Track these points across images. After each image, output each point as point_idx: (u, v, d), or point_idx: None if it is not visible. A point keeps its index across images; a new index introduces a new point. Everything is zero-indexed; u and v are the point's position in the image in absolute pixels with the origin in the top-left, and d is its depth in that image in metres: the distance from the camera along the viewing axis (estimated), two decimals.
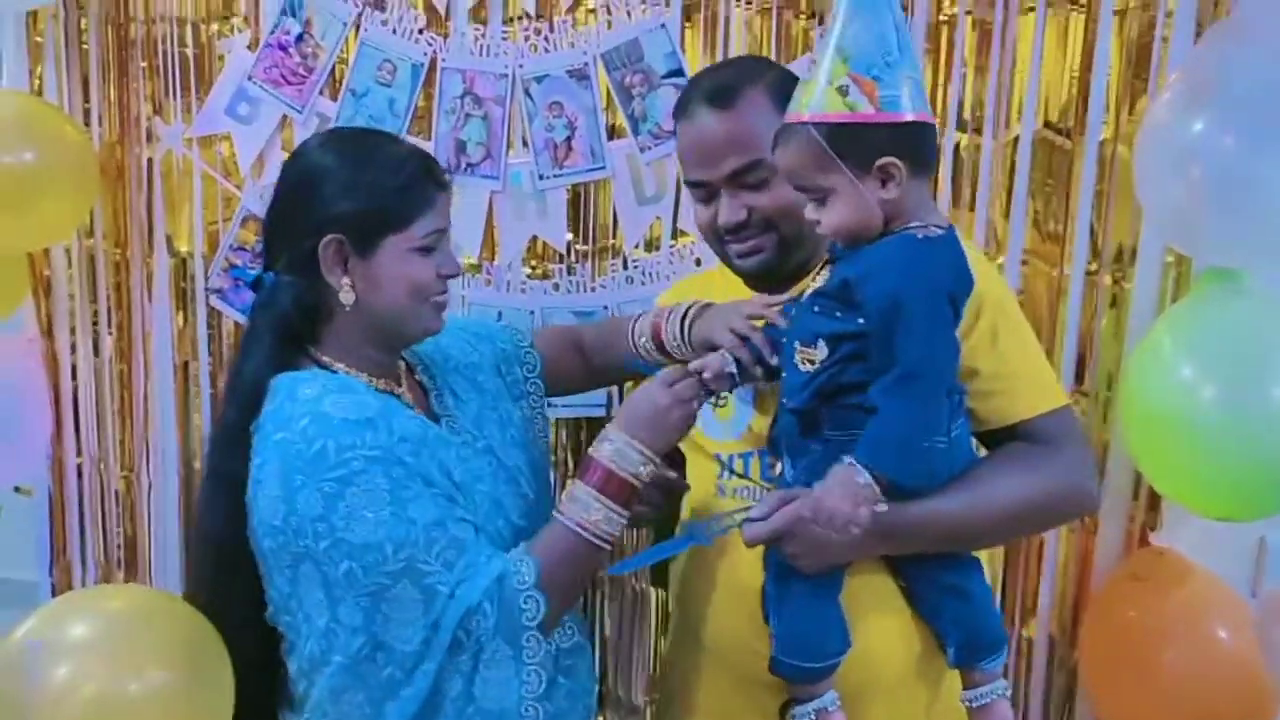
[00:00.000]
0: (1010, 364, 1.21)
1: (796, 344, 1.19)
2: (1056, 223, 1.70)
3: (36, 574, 2.13)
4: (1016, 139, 1.69)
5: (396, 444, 1.20)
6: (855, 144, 1.12)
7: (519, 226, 1.85)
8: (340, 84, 1.85)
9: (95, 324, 2.05)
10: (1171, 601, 1.60)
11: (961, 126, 1.70)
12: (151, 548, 2.10)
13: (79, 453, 2.10)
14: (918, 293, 1.11)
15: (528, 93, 1.79)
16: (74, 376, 2.07)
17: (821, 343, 1.16)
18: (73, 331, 2.06)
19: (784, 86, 1.29)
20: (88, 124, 1.98)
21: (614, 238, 1.83)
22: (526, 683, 1.22)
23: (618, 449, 1.24)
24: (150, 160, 1.97)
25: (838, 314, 1.16)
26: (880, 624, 1.25)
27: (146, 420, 2.04)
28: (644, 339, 1.42)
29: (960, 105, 1.69)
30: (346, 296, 1.26)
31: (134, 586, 1.98)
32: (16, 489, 2.13)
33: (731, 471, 1.37)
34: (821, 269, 1.24)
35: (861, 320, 1.13)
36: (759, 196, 1.30)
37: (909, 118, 1.12)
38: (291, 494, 1.18)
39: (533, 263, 1.87)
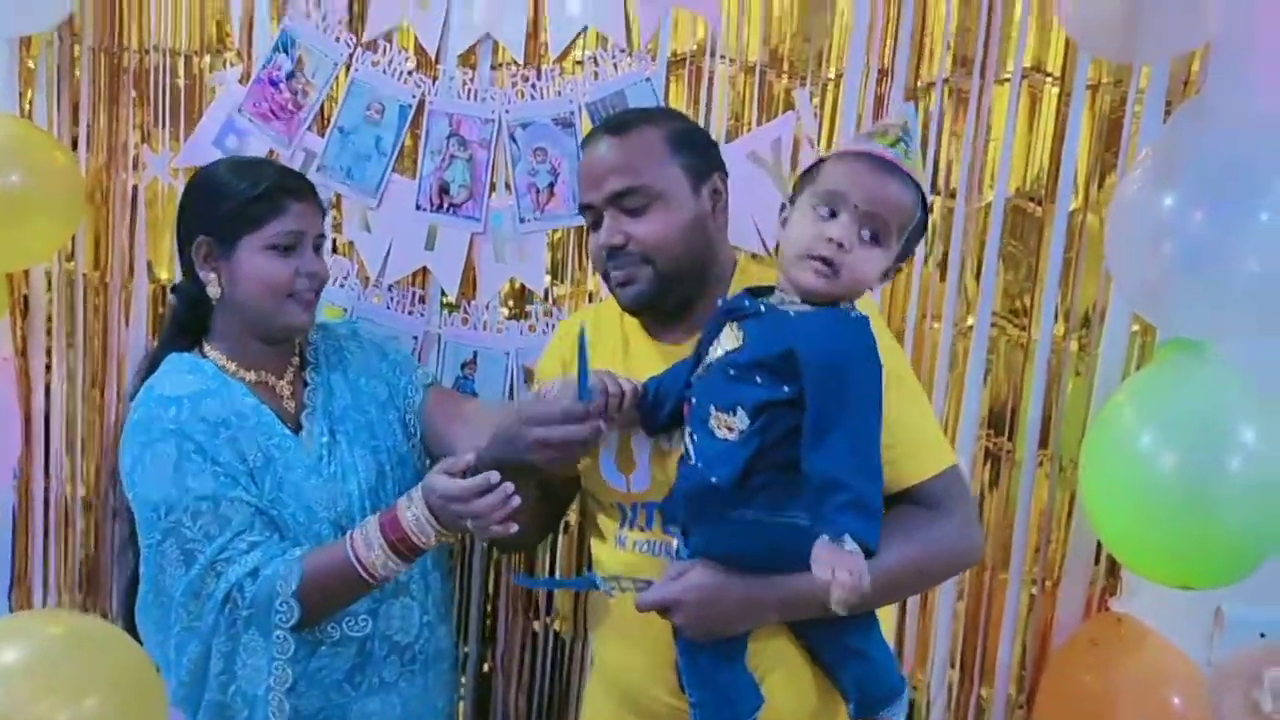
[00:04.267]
0: (896, 433, 1.24)
1: (712, 409, 1.20)
2: (1025, 288, 1.73)
3: None
4: (989, 205, 1.72)
5: (194, 423, 1.40)
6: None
7: (498, 268, 1.87)
8: (328, 121, 1.88)
9: (70, 346, 2.06)
10: (1127, 667, 1.62)
11: (936, 190, 1.73)
12: (114, 572, 2.09)
13: (46, 474, 2.09)
14: (866, 361, 1.15)
15: (513, 138, 1.82)
16: (46, 398, 2.07)
17: (742, 411, 1.17)
18: (48, 353, 2.06)
19: (686, 131, 1.41)
20: (76, 149, 1.99)
21: (590, 282, 1.85)
22: (274, 674, 1.39)
23: (417, 518, 1.36)
24: (136, 187, 1.99)
25: (758, 380, 1.17)
26: (783, 680, 1.29)
27: (116, 444, 2.03)
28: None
29: (935, 169, 1.73)
30: (213, 290, 1.48)
31: (75, 614, 1.96)
32: None
33: (631, 524, 1.39)
34: (719, 333, 1.25)
35: (788, 388, 1.14)
36: (637, 224, 1.35)
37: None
38: (122, 452, 1.45)
39: (510, 303, 1.89)
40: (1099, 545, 1.72)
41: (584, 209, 1.42)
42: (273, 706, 1.40)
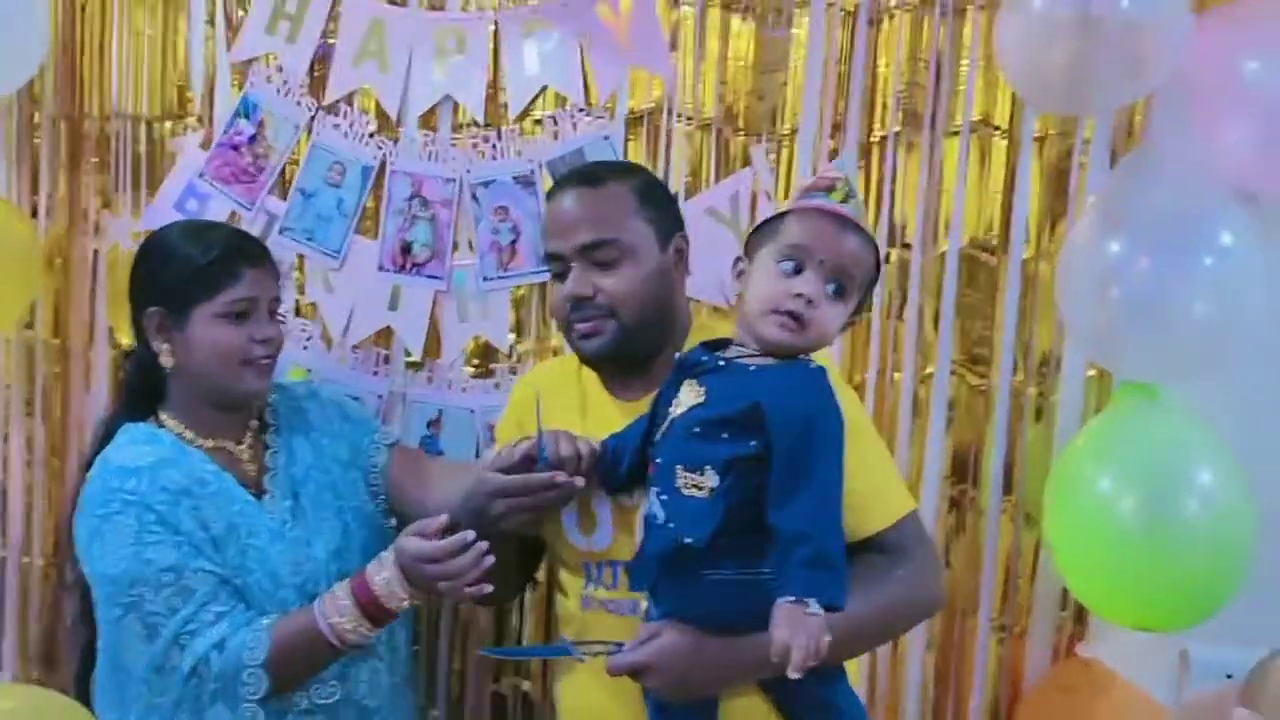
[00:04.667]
0: (856, 482, 1.24)
1: (679, 469, 1.20)
2: (983, 336, 1.76)
3: None
4: (944, 254, 1.75)
5: (155, 493, 1.37)
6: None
7: (462, 326, 1.87)
8: (290, 183, 1.89)
9: (29, 414, 2.03)
10: (1097, 712, 1.62)
11: (891, 242, 1.76)
12: (70, 632, 2.04)
13: (3, 544, 2.05)
14: (830, 413, 1.16)
15: (474, 197, 1.84)
16: (4, 468, 2.04)
17: (710, 469, 1.17)
18: (5, 422, 2.04)
19: (653, 186, 1.45)
20: (35, 217, 1.99)
21: (554, 339, 1.86)
22: None
23: (387, 581, 1.34)
24: (96, 252, 1.98)
25: (725, 436, 1.17)
26: None
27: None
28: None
29: (890, 221, 1.76)
30: (166, 360, 1.46)
31: (29, 688, 1.92)
32: None
33: (597, 582, 1.39)
34: (678, 390, 1.24)
35: (755, 443, 1.15)
36: (606, 277, 1.36)
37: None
38: (76, 526, 1.42)
39: (475, 361, 1.89)
40: (1065, 590, 1.73)
41: (550, 258, 1.42)
42: None
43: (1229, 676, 1.63)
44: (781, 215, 1.25)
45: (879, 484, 1.32)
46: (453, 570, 1.28)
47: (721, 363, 1.23)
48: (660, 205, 1.42)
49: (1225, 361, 1.53)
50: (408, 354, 1.89)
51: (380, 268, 1.87)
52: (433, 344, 1.88)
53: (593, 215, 1.37)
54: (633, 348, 1.36)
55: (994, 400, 1.76)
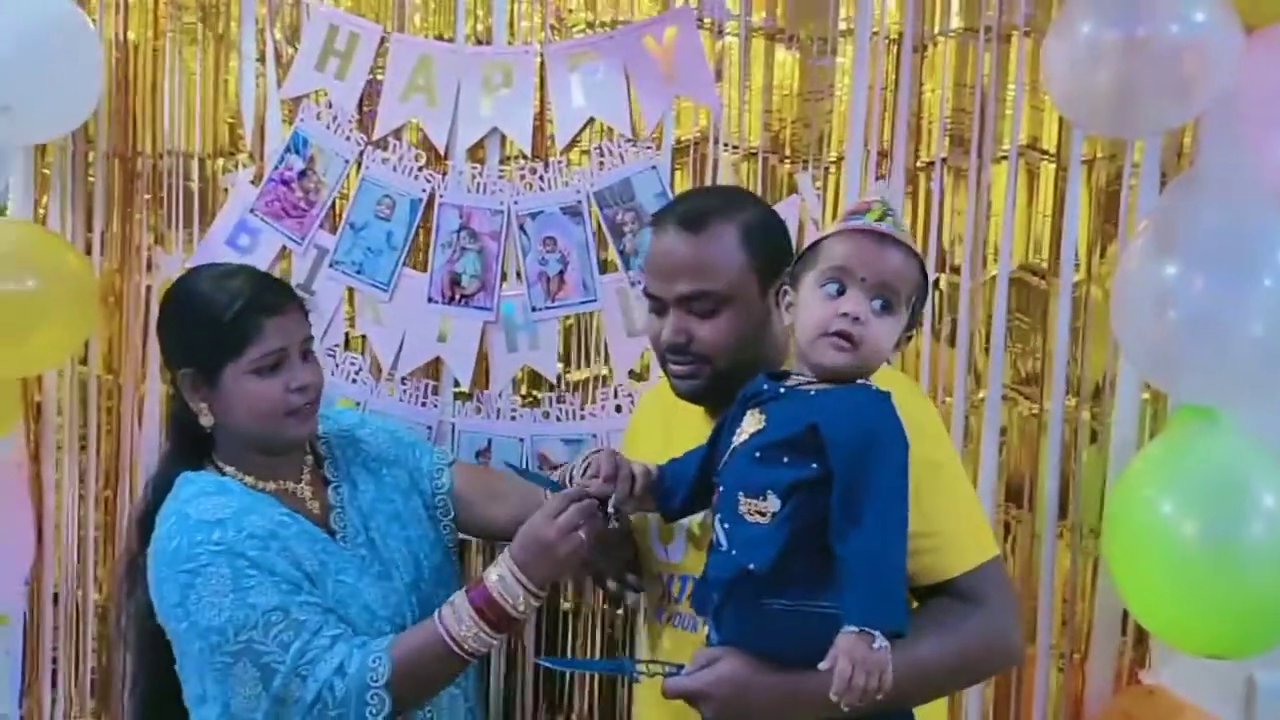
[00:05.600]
0: (935, 523, 1.22)
1: (741, 495, 1.18)
2: (1035, 360, 1.75)
3: (6, 705, 2.07)
4: (994, 278, 1.75)
5: (242, 540, 1.36)
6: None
7: (511, 357, 1.88)
8: (340, 217, 1.91)
9: (83, 449, 2.05)
10: None
11: (940, 267, 1.76)
12: (125, 678, 2.05)
13: (57, 580, 2.07)
14: (890, 435, 1.14)
15: (522, 228, 1.85)
16: (58, 502, 2.06)
17: (772, 494, 1.16)
18: (59, 455, 2.06)
19: (761, 225, 1.37)
20: (89, 253, 2.02)
21: (604, 367, 1.87)
22: None
23: (503, 578, 1.33)
24: (149, 288, 2.01)
25: (785, 460, 1.16)
26: None
27: (130, 548, 2.01)
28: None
29: (939, 246, 1.76)
30: (206, 420, 1.44)
31: None
32: None
33: (670, 598, 1.39)
34: (741, 420, 1.24)
35: (815, 465, 1.14)
36: (703, 325, 1.34)
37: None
38: (160, 584, 1.38)
39: (524, 390, 1.90)
40: (1125, 615, 1.71)
41: (649, 295, 1.39)
42: None
43: None
44: (820, 240, 1.24)
45: (962, 527, 1.28)
46: (566, 524, 1.28)
47: (782, 390, 1.23)
48: (766, 246, 1.36)
49: None
50: (456, 384, 1.90)
51: (429, 299, 1.88)
52: (481, 374, 1.90)
53: (692, 265, 1.33)
54: (729, 388, 1.31)
55: (1047, 424, 1.74)
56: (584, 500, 1.31)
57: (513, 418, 1.89)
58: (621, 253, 1.82)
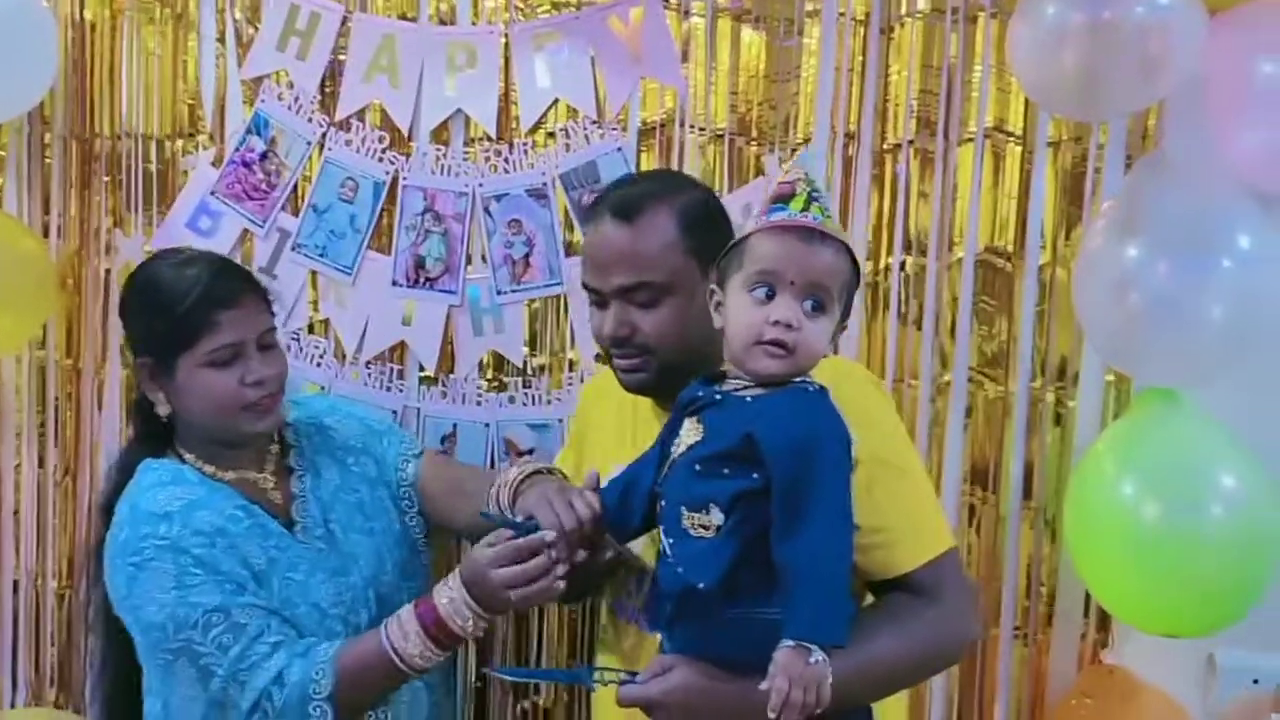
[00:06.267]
0: (887, 517, 1.21)
1: (683, 510, 1.15)
2: (1000, 342, 1.75)
3: None
4: (960, 261, 1.75)
5: (188, 536, 1.34)
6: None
7: (476, 341, 1.87)
8: (302, 200, 1.88)
9: (41, 435, 2.02)
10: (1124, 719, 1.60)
11: (907, 249, 1.76)
12: (85, 667, 2.03)
13: (16, 567, 2.04)
14: (828, 437, 1.11)
15: (487, 210, 1.83)
16: (16, 489, 2.03)
17: (715, 508, 1.12)
18: (18, 442, 2.03)
19: (697, 210, 1.33)
20: (46, 236, 1.98)
21: (571, 351, 1.85)
22: None
23: (453, 600, 1.28)
24: (108, 271, 1.98)
25: (726, 471, 1.12)
26: None
27: (89, 532, 1.99)
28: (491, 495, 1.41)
29: (906, 228, 1.76)
30: (163, 409, 1.42)
31: (47, 711, 1.90)
32: None
33: (629, 593, 1.36)
34: (681, 423, 1.19)
35: (756, 475, 1.10)
36: (645, 317, 1.30)
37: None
38: (111, 574, 1.38)
39: (489, 375, 1.89)
40: (1088, 597, 1.72)
41: (588, 289, 1.36)
42: None
43: (1255, 681, 1.63)
44: (745, 239, 1.18)
45: (916, 522, 1.26)
46: (522, 575, 1.21)
47: (718, 396, 1.18)
48: (707, 229, 1.31)
49: (1245, 364, 1.52)
50: (421, 369, 1.89)
51: (393, 283, 1.86)
52: (446, 358, 1.88)
53: (629, 255, 1.29)
54: (677, 379, 1.27)
55: (1012, 407, 1.75)
56: (531, 559, 1.23)
57: (478, 402, 1.87)
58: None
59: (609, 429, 1.45)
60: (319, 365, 1.90)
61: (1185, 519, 1.47)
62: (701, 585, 1.11)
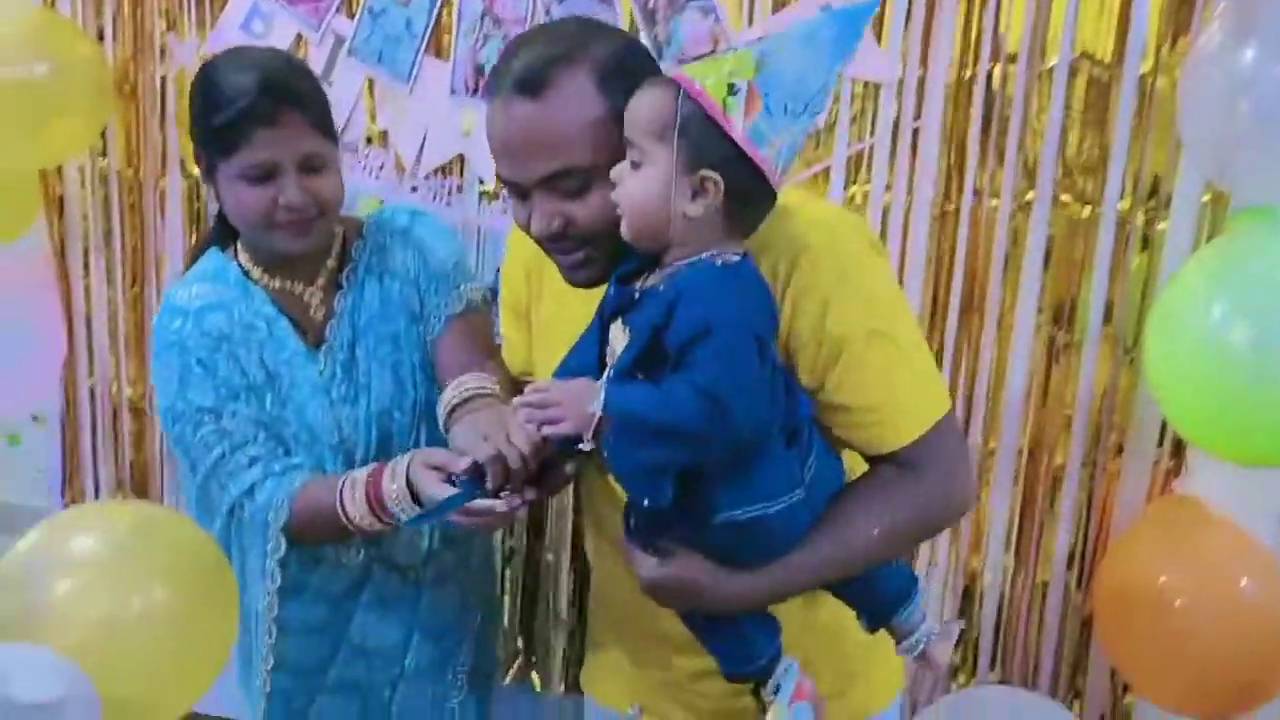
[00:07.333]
0: (875, 396, 1.13)
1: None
2: (1090, 159, 1.65)
3: (49, 500, 2.13)
4: (1052, 69, 1.63)
5: (196, 337, 1.37)
6: (701, 140, 1.00)
7: None
8: (357, 2, 1.81)
9: (108, 245, 2.04)
10: (1192, 550, 1.57)
11: (995, 55, 1.64)
12: (164, 471, 2.10)
13: (91, 375, 2.09)
14: (726, 325, 1.01)
15: (549, 14, 1.74)
16: (87, 298, 2.06)
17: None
18: (85, 252, 2.05)
19: (617, 63, 1.10)
20: (102, 40, 1.94)
21: None
22: (265, 600, 1.37)
23: (397, 495, 1.25)
24: (164, 79, 1.94)
25: (640, 377, 1.04)
26: (799, 605, 1.19)
27: None
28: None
29: (996, 31, 1.63)
30: (215, 206, 1.42)
31: (141, 503, 1.96)
32: (34, 418, 2.13)
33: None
34: (608, 332, 1.11)
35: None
36: (576, 206, 1.10)
37: (759, 162, 1.01)
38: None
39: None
40: (1164, 426, 1.66)
41: (502, 180, 1.16)
42: (264, 627, 1.38)
43: None
44: None
45: (894, 399, 1.14)
46: (470, 521, 1.18)
47: (637, 295, 1.08)
48: (633, 86, 1.06)
49: None
50: (481, 182, 1.84)
51: (452, 91, 1.80)
52: None
53: (544, 140, 1.08)
54: (635, 257, 1.11)
55: (1098, 228, 1.65)
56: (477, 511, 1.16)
57: None
58: (654, 39, 1.71)
59: (574, 304, 1.21)
60: (377, 178, 1.86)
61: (1275, 344, 1.39)
62: (646, 503, 1.06)
